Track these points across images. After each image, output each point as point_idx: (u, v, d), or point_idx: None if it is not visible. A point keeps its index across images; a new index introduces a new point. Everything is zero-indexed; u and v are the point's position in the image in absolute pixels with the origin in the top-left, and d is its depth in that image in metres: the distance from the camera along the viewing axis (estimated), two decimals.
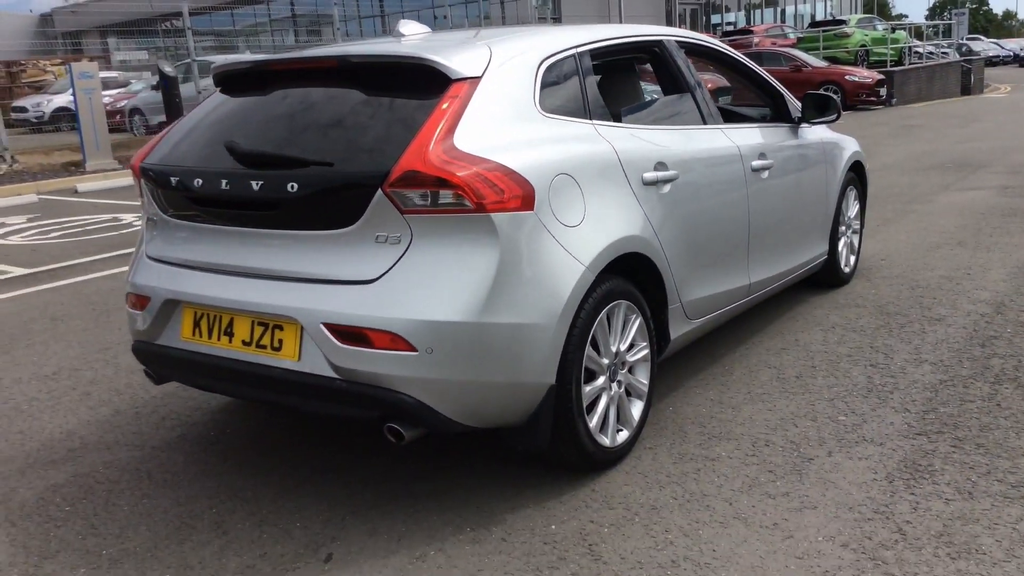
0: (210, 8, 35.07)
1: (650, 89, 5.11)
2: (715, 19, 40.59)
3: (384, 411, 2.70)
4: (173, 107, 14.98)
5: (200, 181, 2.95)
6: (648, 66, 4.17)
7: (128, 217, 9.84)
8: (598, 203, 3.01)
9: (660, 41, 3.92)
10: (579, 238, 2.88)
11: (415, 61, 2.88)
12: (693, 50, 4.15)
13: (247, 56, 3.59)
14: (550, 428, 2.87)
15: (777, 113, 4.68)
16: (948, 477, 2.96)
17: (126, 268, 3.50)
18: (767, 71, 4.73)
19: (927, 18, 59.24)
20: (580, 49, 3.35)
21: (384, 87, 2.92)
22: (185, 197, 3.04)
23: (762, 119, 4.68)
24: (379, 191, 2.64)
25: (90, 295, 6.22)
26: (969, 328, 4.48)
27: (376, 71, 2.97)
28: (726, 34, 31.36)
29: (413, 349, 2.61)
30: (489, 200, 2.62)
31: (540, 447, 2.91)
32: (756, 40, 27.63)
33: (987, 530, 2.62)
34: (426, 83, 2.85)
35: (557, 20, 30.31)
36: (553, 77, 3.16)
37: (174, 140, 3.26)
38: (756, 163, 4.08)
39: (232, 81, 3.36)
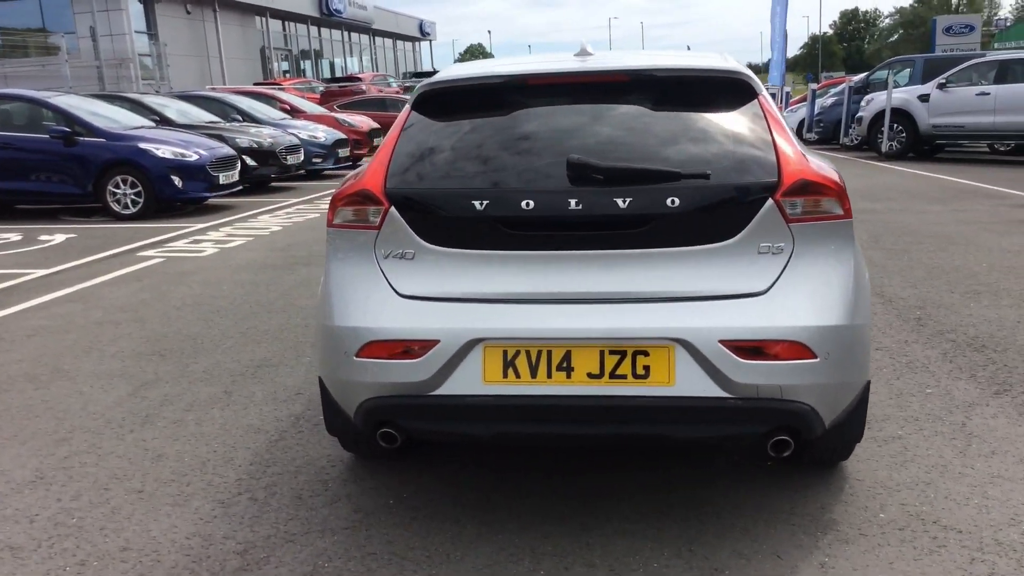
0: None
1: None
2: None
3: (780, 423, 2.65)
4: None
5: (531, 203, 2.61)
6: None
7: None
8: None
9: None
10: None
11: (729, 75, 2.88)
12: None
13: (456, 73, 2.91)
14: (865, 420, 3.03)
15: None
16: None
17: None
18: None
19: None
20: None
21: (689, 99, 2.87)
22: (495, 221, 2.65)
23: None
24: (769, 201, 2.62)
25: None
26: (892, 315, 5.43)
27: (678, 84, 2.89)
28: (335, 80, 31.94)
29: (814, 356, 2.61)
30: (849, 207, 2.74)
31: (858, 439, 3.04)
32: (364, 88, 28.43)
33: None
34: (735, 96, 2.87)
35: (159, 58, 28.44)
36: None
37: (414, 164, 2.82)
38: None
39: (456, 97, 2.98)
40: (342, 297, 2.82)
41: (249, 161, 12.85)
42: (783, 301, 2.62)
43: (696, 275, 2.64)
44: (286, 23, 42.08)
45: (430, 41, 65.05)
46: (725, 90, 2.89)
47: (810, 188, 2.65)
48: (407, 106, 3.05)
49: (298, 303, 6.17)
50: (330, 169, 15.70)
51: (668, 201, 2.60)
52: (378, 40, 54.79)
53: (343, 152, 15.99)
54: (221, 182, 11.31)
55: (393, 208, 2.75)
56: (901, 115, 15.97)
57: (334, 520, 3.01)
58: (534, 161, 2.74)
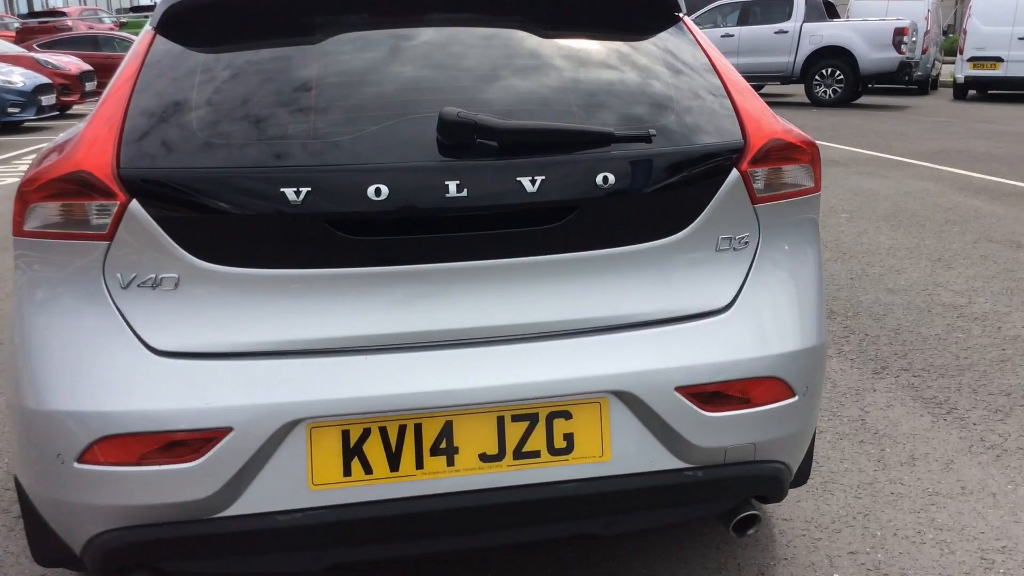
0: None
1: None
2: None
3: (750, 493, 1.86)
4: None
5: (382, 188, 1.58)
6: None
7: None
8: None
9: None
10: None
11: None
12: None
13: None
14: (812, 458, 2.31)
15: None
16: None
17: None
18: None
19: None
20: None
21: (596, 20, 1.94)
22: (322, 221, 1.59)
23: None
24: (734, 172, 1.77)
25: None
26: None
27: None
28: (33, 15, 27.63)
29: (793, 394, 1.84)
30: (820, 175, 1.97)
31: (802, 481, 2.33)
32: (71, 24, 24.74)
33: None
34: (655, 18, 2.00)
35: None
36: None
37: (166, 127, 1.66)
38: None
39: (228, 16, 1.84)
40: (49, 358, 1.64)
41: None
42: (750, 319, 1.82)
43: (635, 289, 1.76)
44: None
45: None
46: (640, 9, 1.99)
47: (782, 153, 1.84)
48: (147, 30, 1.88)
49: None
50: (31, 120, 13.18)
51: (599, 179, 1.68)
52: None
53: (48, 100, 13.45)
54: None
55: (135, 202, 1.60)
56: None
57: None
58: (379, 120, 1.70)
